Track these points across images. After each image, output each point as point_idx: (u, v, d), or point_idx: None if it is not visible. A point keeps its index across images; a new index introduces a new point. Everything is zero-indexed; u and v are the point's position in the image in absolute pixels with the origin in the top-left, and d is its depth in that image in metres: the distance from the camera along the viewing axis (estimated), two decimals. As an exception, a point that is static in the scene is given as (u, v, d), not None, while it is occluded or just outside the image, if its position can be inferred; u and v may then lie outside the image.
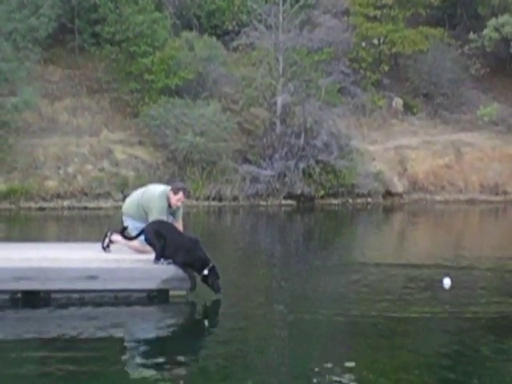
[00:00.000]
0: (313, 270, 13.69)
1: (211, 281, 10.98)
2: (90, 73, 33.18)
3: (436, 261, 15.58)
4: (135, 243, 11.76)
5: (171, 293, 11.10)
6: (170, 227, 11.35)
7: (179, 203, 11.81)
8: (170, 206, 11.75)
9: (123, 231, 11.81)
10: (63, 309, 10.61)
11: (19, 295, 10.78)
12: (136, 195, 12.31)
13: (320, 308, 10.91)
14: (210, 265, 10.99)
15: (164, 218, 11.55)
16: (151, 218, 11.53)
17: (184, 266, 10.97)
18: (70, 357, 8.63)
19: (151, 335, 9.90)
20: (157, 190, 11.98)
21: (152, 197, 11.78)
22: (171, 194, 11.73)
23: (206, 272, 10.94)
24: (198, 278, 11.06)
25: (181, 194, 11.77)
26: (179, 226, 11.87)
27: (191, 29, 35.14)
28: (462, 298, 11.75)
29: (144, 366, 8.35)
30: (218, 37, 34.75)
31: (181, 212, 12.05)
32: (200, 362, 8.63)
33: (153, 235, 11.18)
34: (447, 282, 12.42)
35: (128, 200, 12.40)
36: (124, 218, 12.13)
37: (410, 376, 7.85)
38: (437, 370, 8.14)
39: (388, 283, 12.97)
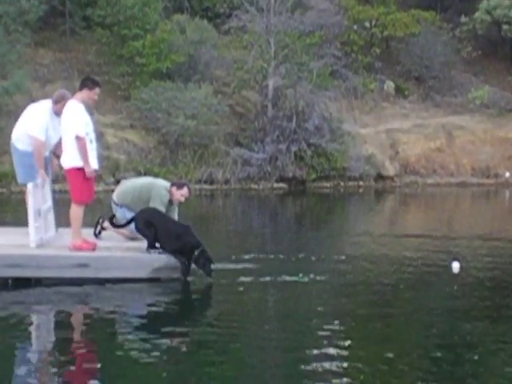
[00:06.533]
0: (303, 254, 13.68)
1: (202, 261, 10.94)
2: (81, 56, 33.04)
3: (428, 245, 15.63)
4: (125, 231, 11.80)
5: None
6: (160, 215, 11.35)
7: (182, 198, 11.88)
8: (170, 201, 11.79)
9: (112, 219, 11.86)
10: (55, 287, 10.69)
11: (9, 281, 10.80)
12: (132, 183, 12.35)
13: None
14: (200, 248, 10.99)
15: (163, 210, 11.57)
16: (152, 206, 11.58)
17: (174, 253, 10.98)
18: (63, 335, 8.79)
19: (143, 311, 10.00)
20: (160, 182, 12.09)
21: (155, 187, 11.80)
22: (174, 190, 11.80)
23: (196, 253, 10.92)
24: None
25: (185, 189, 11.88)
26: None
27: (182, 12, 34.99)
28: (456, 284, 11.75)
29: (136, 342, 8.40)
30: (210, 19, 34.63)
31: (176, 212, 12.06)
32: (193, 337, 8.72)
33: (143, 224, 11.18)
34: (456, 265, 12.28)
35: (122, 188, 12.32)
36: (114, 207, 12.11)
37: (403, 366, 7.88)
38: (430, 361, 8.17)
39: (379, 269, 12.98)
